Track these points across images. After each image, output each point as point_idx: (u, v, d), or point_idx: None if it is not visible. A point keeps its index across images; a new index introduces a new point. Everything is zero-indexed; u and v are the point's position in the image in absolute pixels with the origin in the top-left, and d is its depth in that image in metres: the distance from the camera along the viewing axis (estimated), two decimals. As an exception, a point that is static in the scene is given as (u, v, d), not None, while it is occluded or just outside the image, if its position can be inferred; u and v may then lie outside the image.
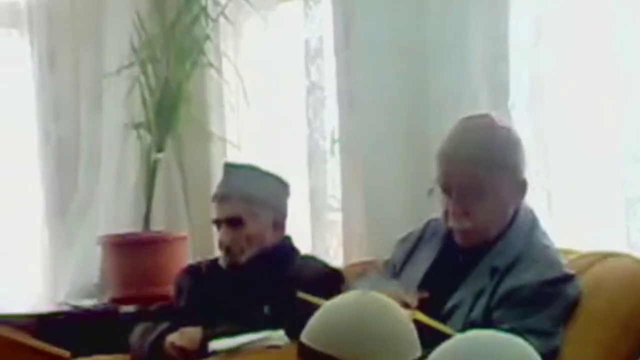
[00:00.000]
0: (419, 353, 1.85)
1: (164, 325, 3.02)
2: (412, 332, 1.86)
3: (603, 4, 2.93)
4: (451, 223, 2.53)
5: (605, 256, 2.59)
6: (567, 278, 2.46)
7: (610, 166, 2.93)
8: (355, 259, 3.39)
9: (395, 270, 2.69)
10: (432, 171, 2.61)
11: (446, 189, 2.52)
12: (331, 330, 1.83)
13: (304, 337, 1.87)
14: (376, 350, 1.81)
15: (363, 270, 2.97)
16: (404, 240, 2.73)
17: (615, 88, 2.86)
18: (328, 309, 1.88)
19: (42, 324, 3.61)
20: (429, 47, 3.22)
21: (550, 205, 3.00)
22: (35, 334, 3.31)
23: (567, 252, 2.64)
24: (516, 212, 2.54)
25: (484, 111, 2.97)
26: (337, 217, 3.57)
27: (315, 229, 3.61)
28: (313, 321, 1.87)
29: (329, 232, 3.61)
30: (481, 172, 2.47)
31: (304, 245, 3.33)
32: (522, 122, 3.05)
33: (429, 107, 3.23)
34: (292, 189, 3.20)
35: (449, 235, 2.57)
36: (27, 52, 4.15)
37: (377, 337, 1.82)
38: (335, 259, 3.51)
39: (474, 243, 2.52)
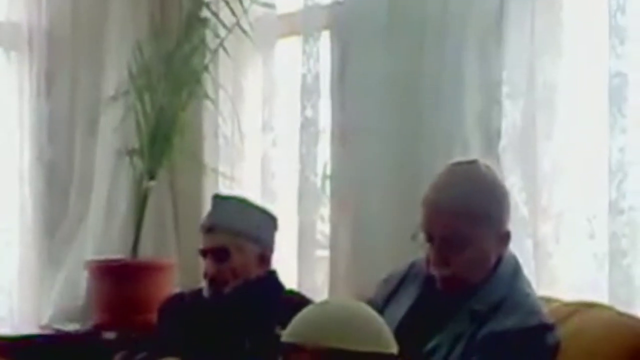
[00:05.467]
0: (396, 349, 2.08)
1: (142, 355, 3.01)
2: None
3: (594, 50, 2.94)
4: (432, 270, 2.53)
5: (588, 306, 2.57)
6: (547, 327, 2.43)
7: (600, 219, 2.92)
8: (341, 296, 3.38)
9: (378, 310, 2.67)
10: (420, 212, 2.60)
11: (428, 237, 2.52)
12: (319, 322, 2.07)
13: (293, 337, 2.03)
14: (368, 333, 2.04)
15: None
16: (386, 280, 2.72)
17: (605, 132, 2.84)
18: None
19: (23, 346, 3.59)
20: (423, 88, 3.23)
21: (536, 253, 2.99)
22: (16, 357, 3.29)
23: (549, 300, 2.63)
24: (499, 260, 2.53)
25: (475, 154, 2.98)
26: (325, 253, 3.57)
27: (302, 264, 3.61)
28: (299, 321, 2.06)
29: (316, 268, 3.60)
30: (463, 224, 2.45)
31: (290, 280, 3.32)
32: (512, 167, 3.05)
33: (421, 147, 3.23)
34: (281, 224, 3.19)
35: (430, 278, 2.56)
36: (25, 72, 4.15)
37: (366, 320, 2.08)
38: (321, 295, 3.50)
39: (454, 289, 2.51)
